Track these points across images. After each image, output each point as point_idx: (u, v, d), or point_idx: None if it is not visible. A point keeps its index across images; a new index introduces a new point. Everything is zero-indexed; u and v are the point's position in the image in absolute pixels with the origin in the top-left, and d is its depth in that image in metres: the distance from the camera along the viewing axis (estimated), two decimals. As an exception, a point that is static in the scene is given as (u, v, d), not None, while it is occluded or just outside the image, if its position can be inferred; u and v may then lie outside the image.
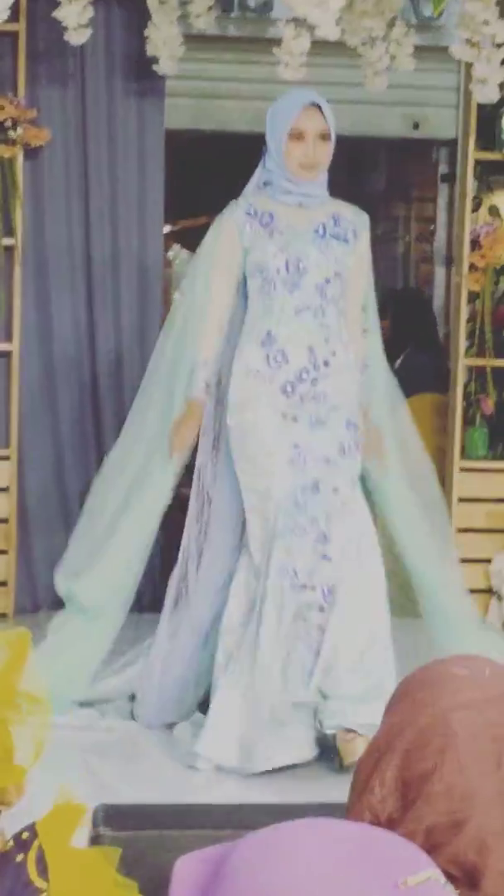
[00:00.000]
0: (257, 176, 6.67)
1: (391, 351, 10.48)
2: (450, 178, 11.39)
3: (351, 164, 14.07)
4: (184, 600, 6.60)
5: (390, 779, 2.31)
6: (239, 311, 6.49)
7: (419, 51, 8.10)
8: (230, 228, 6.46)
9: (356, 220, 6.63)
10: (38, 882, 2.64)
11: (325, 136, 6.44)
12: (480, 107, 8.22)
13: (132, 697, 6.74)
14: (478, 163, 8.46)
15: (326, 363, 6.28)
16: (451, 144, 10.66)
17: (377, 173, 13.70)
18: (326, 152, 6.47)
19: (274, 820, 1.81)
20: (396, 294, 12.45)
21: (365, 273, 6.70)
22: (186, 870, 1.72)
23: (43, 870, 2.65)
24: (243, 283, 6.46)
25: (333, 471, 6.23)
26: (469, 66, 7.87)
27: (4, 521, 8.15)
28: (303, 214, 6.48)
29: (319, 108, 6.45)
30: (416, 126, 11.44)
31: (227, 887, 1.64)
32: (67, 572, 6.60)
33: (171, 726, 6.56)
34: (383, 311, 11.41)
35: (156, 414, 6.50)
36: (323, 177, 6.58)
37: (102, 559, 6.49)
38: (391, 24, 7.93)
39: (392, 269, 14.10)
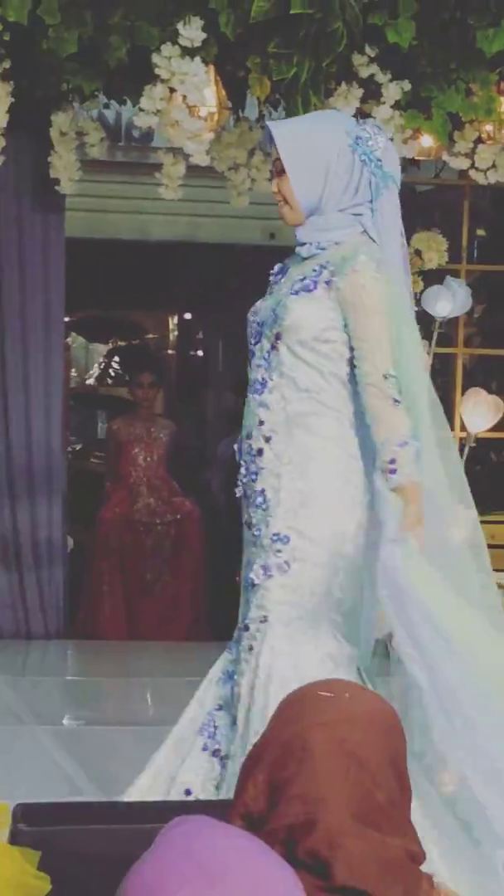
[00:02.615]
0: None
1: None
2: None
3: (216, 267, 14.11)
4: None
5: (261, 782, 2.32)
6: None
7: (274, 174, 8.12)
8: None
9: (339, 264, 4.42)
10: None
11: (280, 170, 4.48)
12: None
13: None
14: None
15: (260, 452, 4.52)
16: (301, 251, 10.70)
17: (239, 275, 13.73)
18: (286, 188, 4.44)
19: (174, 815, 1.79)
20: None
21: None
22: None
23: None
24: None
25: None
26: (315, 187, 7.91)
27: None
28: (299, 267, 4.55)
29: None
30: (272, 236, 11.50)
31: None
32: None
33: None
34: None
35: None
36: (316, 219, 4.46)
37: None
38: (251, 154, 7.96)
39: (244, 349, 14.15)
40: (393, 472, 4.26)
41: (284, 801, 2.27)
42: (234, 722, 4.41)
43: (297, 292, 4.44)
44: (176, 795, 4.34)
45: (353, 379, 4.43)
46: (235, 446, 4.54)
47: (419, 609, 4.09)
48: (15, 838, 2.89)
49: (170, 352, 15.53)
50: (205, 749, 4.46)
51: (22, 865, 2.65)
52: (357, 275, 4.37)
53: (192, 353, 16.10)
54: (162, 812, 3.21)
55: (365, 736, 2.31)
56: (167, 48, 6.87)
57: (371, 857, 2.26)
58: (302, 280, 4.44)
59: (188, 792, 4.37)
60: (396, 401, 4.32)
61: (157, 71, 6.93)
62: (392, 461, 4.25)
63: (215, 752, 4.44)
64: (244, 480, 4.52)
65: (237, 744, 4.31)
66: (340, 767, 2.27)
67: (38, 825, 3.10)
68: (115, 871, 2.86)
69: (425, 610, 4.09)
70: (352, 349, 4.40)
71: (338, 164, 4.42)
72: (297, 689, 2.41)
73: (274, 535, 4.38)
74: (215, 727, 4.49)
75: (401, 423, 4.30)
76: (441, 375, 8.77)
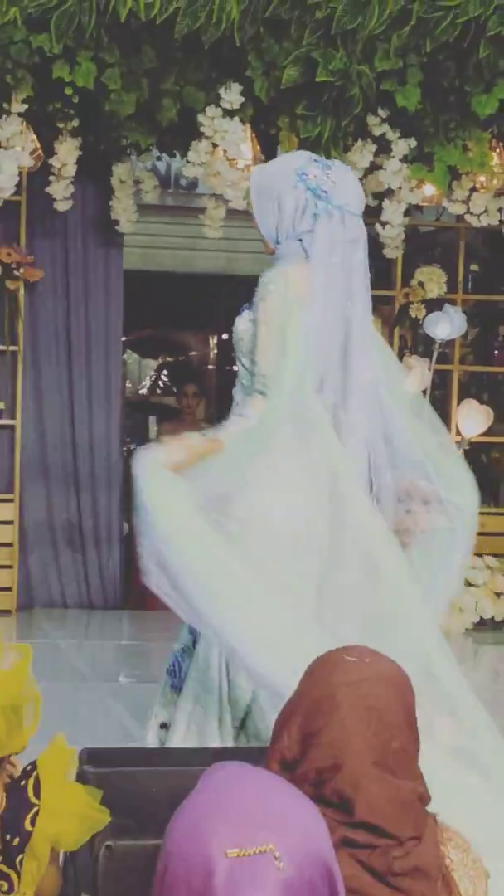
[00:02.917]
0: None
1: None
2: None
3: (249, 295, 14.06)
4: None
5: (294, 732, 2.31)
6: None
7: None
8: None
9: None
10: (33, 800, 2.64)
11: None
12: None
13: None
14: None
15: None
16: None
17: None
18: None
19: (215, 760, 1.77)
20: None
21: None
22: None
23: (37, 792, 2.66)
24: None
25: None
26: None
27: (10, 544, 8.06)
28: None
29: None
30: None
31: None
32: None
33: None
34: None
35: None
36: (277, 247, 4.30)
37: None
38: (281, 199, 7.95)
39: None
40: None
41: (315, 748, 2.27)
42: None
43: (241, 311, 4.29)
44: (153, 729, 4.30)
45: None
46: None
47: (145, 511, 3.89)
48: (80, 778, 2.90)
49: (210, 367, 15.50)
50: (172, 687, 4.39)
51: (87, 800, 2.67)
52: (259, 289, 4.19)
53: (228, 368, 16.13)
54: (204, 757, 3.20)
55: (383, 693, 2.31)
56: (211, 110, 6.88)
57: (387, 798, 2.26)
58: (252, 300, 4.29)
59: (164, 725, 4.31)
60: (260, 392, 4.11)
61: (202, 129, 6.93)
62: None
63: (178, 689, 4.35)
64: None
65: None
66: (363, 720, 2.26)
67: (100, 767, 3.10)
68: (165, 807, 2.84)
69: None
70: None
71: (285, 198, 4.18)
72: (325, 653, 2.40)
73: None
74: (180, 667, 4.41)
75: (251, 408, 4.12)
76: (439, 388, 8.75)
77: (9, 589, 8.00)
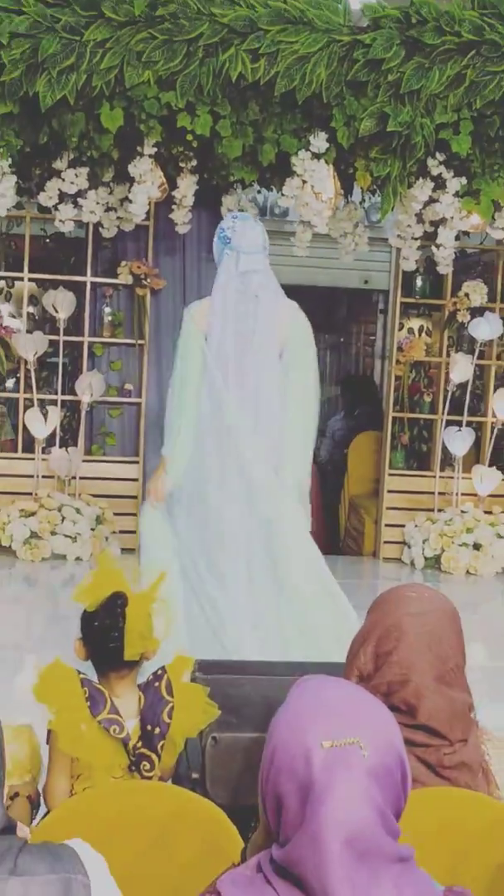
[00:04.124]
0: None
1: (351, 408, 10.47)
2: (385, 312, 11.36)
3: (328, 303, 14.02)
4: None
5: (369, 653, 2.31)
6: None
7: (371, 241, 8.06)
8: None
9: None
10: (167, 697, 2.71)
11: None
12: (404, 273, 8.17)
13: None
14: (401, 304, 8.40)
15: None
16: (386, 293, 10.62)
17: (342, 307, 13.65)
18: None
19: (304, 674, 1.76)
20: (353, 376, 12.39)
21: None
22: None
23: (169, 691, 2.72)
24: None
25: None
26: (398, 249, 7.83)
27: (135, 496, 8.12)
28: None
29: None
30: (365, 282, 11.39)
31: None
32: None
33: None
34: (345, 386, 11.42)
35: None
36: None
37: None
38: (356, 226, 7.89)
39: (349, 362, 14.04)
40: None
41: (386, 666, 2.27)
42: None
43: None
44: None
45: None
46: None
47: None
48: (192, 682, 2.92)
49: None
50: None
51: (203, 695, 2.69)
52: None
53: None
54: (292, 669, 3.21)
55: (440, 622, 2.30)
56: (302, 153, 6.83)
57: (443, 706, 2.25)
58: None
59: None
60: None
61: (294, 168, 6.89)
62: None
63: None
64: None
65: None
66: (424, 643, 2.26)
67: (208, 674, 3.12)
68: (259, 708, 2.85)
69: None
70: None
71: (214, 244, 4.67)
72: (391, 588, 2.39)
73: None
74: None
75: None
76: (479, 378, 8.67)
77: (133, 532, 8.07)
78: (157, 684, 2.73)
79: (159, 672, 2.76)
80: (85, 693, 2.60)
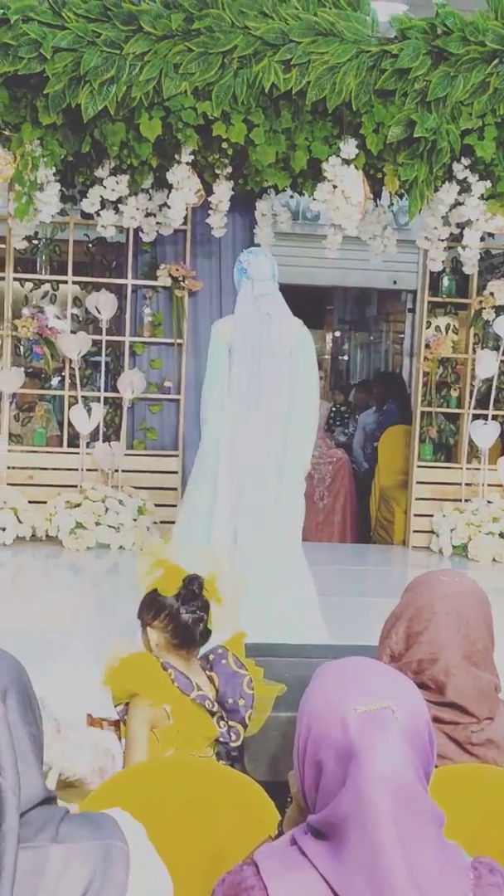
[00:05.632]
0: None
1: (381, 403, 10.45)
2: (413, 311, 11.32)
3: (359, 302, 13.99)
4: None
5: (401, 633, 2.31)
6: None
7: (399, 243, 8.01)
8: None
9: None
10: (241, 671, 2.81)
11: None
12: (431, 273, 8.13)
13: None
14: (428, 303, 8.36)
15: None
16: (414, 292, 10.58)
17: (372, 306, 13.62)
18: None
19: (339, 656, 1.77)
20: (383, 373, 12.36)
21: None
22: None
23: (238, 665, 2.82)
24: None
25: None
26: (426, 251, 7.80)
27: (175, 488, 8.15)
28: None
29: None
30: (394, 282, 11.36)
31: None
32: None
33: None
34: (375, 382, 11.40)
35: None
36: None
37: None
38: (384, 228, 7.86)
39: (379, 359, 14.02)
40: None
41: (417, 645, 2.27)
42: None
43: None
44: None
45: None
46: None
47: None
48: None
49: (326, 357, 15.48)
50: None
51: (260, 672, 2.81)
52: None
53: (340, 357, 16.12)
54: (327, 651, 3.21)
55: (470, 604, 2.30)
56: (332, 159, 6.81)
57: (471, 685, 2.25)
58: None
59: None
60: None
61: (325, 174, 6.87)
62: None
63: None
64: None
65: None
66: (454, 625, 2.26)
67: (258, 656, 3.14)
68: (295, 689, 2.86)
69: None
70: None
71: (235, 273, 5.51)
72: (425, 573, 2.40)
73: None
74: None
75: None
76: (504, 374, 8.64)
77: (173, 522, 8.09)
78: (223, 661, 2.80)
79: (220, 650, 2.82)
80: (170, 675, 2.66)
